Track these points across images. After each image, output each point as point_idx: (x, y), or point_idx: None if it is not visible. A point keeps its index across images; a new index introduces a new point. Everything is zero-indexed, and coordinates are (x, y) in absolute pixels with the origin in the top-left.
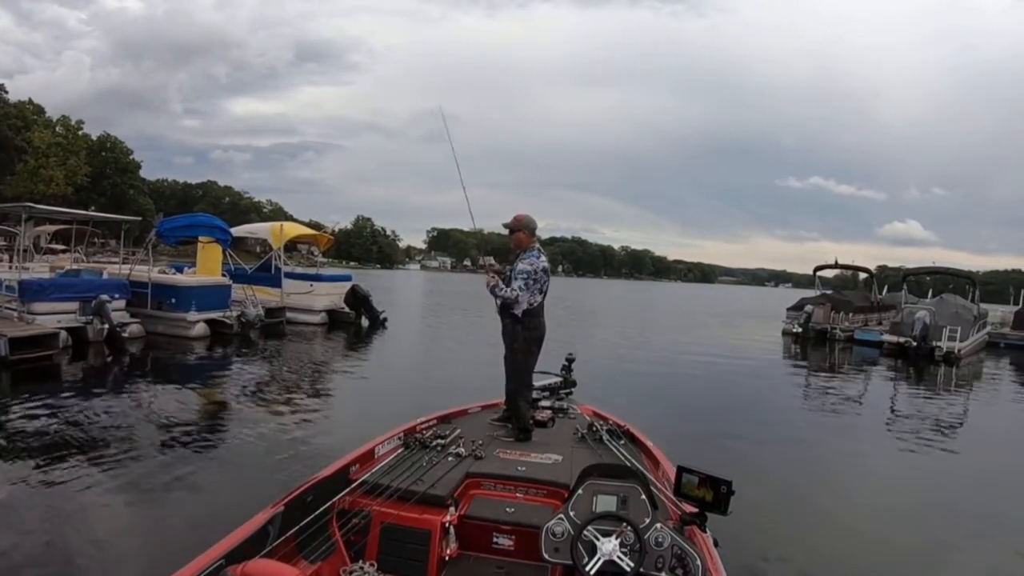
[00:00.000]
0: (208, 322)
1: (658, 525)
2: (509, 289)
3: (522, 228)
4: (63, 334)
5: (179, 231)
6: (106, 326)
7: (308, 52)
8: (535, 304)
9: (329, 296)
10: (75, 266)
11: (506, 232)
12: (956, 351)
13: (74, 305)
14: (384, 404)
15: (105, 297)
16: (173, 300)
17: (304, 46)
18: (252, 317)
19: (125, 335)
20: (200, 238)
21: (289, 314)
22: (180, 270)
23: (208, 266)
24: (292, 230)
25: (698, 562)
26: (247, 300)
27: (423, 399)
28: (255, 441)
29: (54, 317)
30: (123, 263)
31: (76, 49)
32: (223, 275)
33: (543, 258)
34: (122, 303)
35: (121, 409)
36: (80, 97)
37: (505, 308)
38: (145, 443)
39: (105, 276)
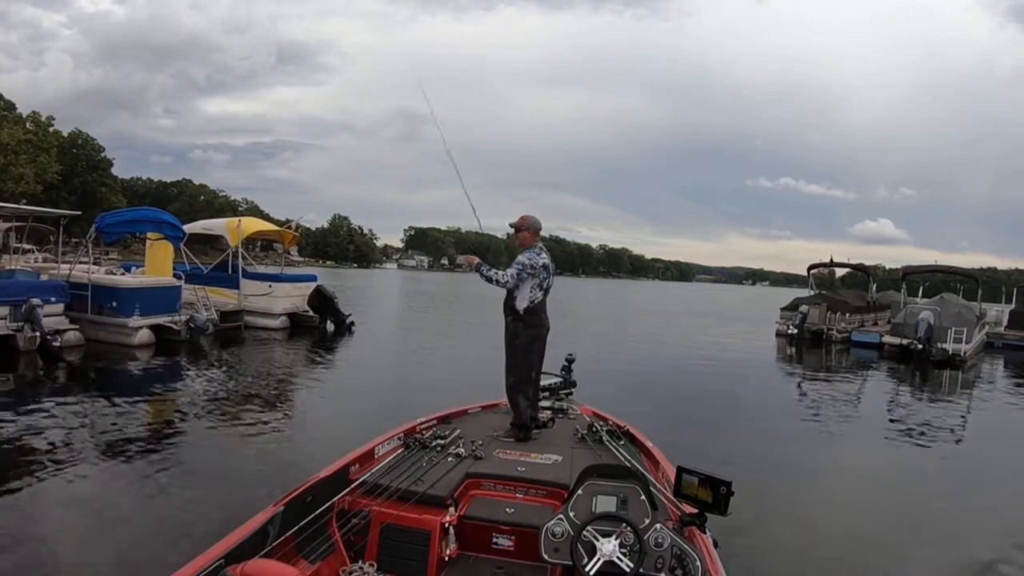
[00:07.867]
0: (153, 328)
1: (658, 526)
2: (501, 273)
3: (527, 228)
4: None
5: (122, 226)
6: (37, 334)
7: (283, 54)
8: (536, 301)
9: (290, 298)
10: (10, 266)
11: (485, 232)
12: (962, 353)
13: (5, 310)
14: (338, 428)
15: (36, 301)
16: (114, 303)
17: (279, 48)
18: (202, 322)
19: (58, 344)
20: (148, 235)
21: (247, 318)
22: (128, 269)
23: (157, 265)
24: (251, 226)
25: (698, 563)
26: (198, 302)
27: (382, 422)
28: (184, 475)
29: None
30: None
31: (54, 50)
32: (176, 275)
33: (544, 255)
34: (59, 307)
35: (42, 431)
36: (61, 96)
37: (508, 306)
38: (66, 470)
39: (44, 277)
